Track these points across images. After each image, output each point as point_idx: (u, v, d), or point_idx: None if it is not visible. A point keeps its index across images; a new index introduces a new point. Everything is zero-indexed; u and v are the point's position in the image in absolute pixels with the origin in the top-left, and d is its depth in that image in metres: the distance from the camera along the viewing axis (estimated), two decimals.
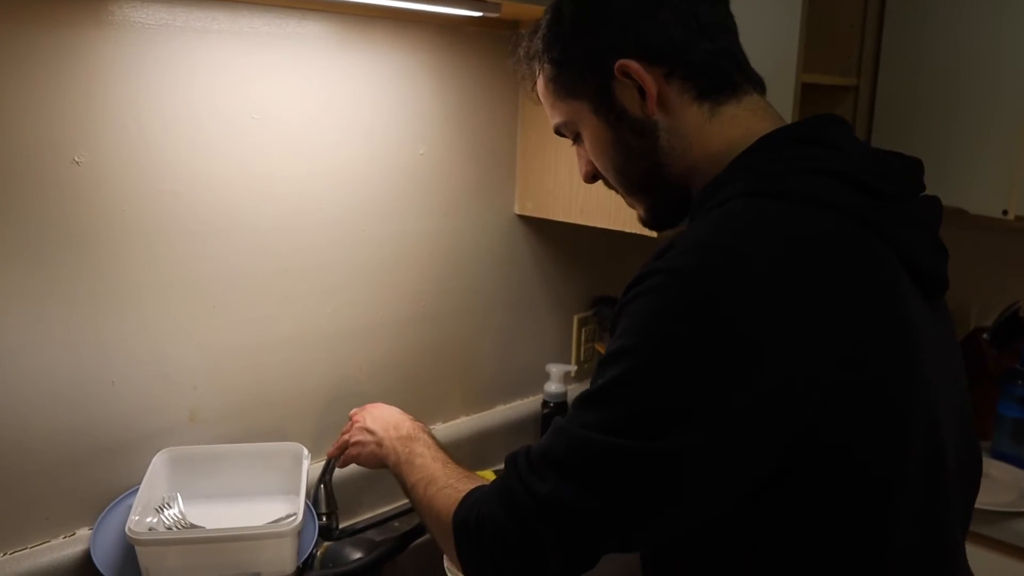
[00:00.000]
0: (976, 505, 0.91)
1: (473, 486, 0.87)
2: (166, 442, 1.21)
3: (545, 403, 1.65)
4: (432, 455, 1.01)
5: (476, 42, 1.47)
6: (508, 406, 1.69)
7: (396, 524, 1.32)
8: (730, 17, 0.90)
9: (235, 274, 1.24)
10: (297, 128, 1.27)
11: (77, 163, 1.07)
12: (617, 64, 0.85)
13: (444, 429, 1.56)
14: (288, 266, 1.29)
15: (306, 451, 1.21)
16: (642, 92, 0.85)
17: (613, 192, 1.41)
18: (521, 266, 1.65)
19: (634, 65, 0.84)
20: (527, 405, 1.71)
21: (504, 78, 1.53)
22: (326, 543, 1.19)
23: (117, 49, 1.08)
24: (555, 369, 1.64)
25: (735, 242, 0.72)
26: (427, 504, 0.92)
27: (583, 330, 1.79)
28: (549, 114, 0.96)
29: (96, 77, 1.06)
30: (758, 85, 0.89)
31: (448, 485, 0.91)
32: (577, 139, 0.95)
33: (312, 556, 1.14)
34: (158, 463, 1.16)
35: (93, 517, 1.15)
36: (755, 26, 1.44)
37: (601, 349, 1.77)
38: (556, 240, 1.69)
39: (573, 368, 1.72)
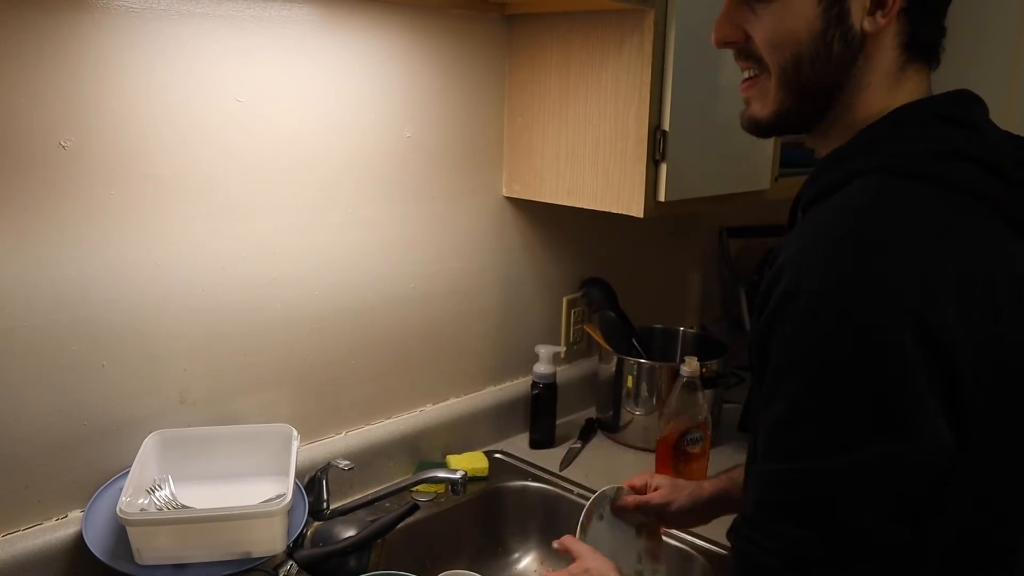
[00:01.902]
0: None
1: None
2: (157, 424, 1.22)
3: (534, 384, 1.66)
4: None
5: (462, 24, 1.47)
6: (498, 387, 1.70)
7: (387, 504, 1.33)
8: None
9: (223, 256, 1.24)
10: (283, 111, 1.27)
11: (63, 147, 1.07)
12: None
13: (434, 411, 1.57)
14: (275, 248, 1.30)
15: (295, 432, 1.22)
16: (875, 6, 0.81)
17: (599, 173, 1.43)
18: (509, 248, 1.66)
19: None
20: (517, 386, 1.72)
21: (490, 60, 1.53)
22: (316, 522, 1.20)
23: (103, 33, 1.07)
24: (544, 350, 1.65)
25: (879, 229, 0.72)
26: None
27: (572, 311, 1.80)
28: None
29: (82, 61, 1.06)
30: (937, 64, 0.86)
31: None
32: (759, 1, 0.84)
33: (302, 535, 1.15)
34: (149, 445, 1.17)
35: (85, 499, 1.16)
36: None
37: (590, 330, 1.78)
38: (544, 222, 1.70)
39: (562, 349, 1.73)
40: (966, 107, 0.83)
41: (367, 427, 1.48)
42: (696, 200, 1.45)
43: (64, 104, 1.06)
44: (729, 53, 0.90)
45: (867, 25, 0.81)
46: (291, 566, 1.06)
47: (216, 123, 1.20)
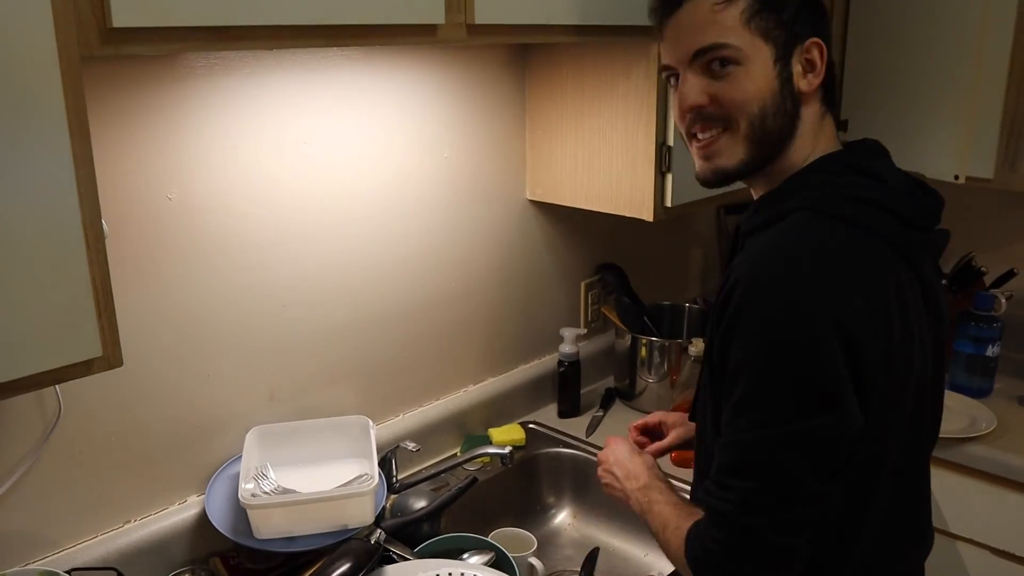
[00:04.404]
0: None
1: (693, 521, 1.02)
2: (251, 419, 1.44)
3: (560, 362, 1.88)
4: (665, 499, 1.13)
5: (483, 55, 1.66)
6: (528, 366, 1.93)
7: (443, 475, 1.57)
8: None
9: (298, 275, 1.45)
10: (342, 147, 1.47)
11: (169, 199, 1.28)
12: (812, 40, 1.01)
13: (476, 390, 1.81)
14: (340, 262, 1.51)
15: (372, 423, 1.45)
16: (807, 69, 1.01)
17: (612, 181, 1.64)
18: (534, 243, 1.87)
19: (824, 49, 1.01)
20: (544, 364, 1.95)
21: (511, 83, 1.73)
22: (392, 496, 1.44)
23: (196, 96, 1.27)
24: (568, 332, 1.87)
25: (810, 255, 0.93)
26: (666, 545, 1.07)
27: (589, 294, 2.02)
28: (708, 32, 0.99)
29: (180, 123, 1.26)
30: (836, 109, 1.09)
31: (678, 526, 1.05)
32: (724, 64, 0.99)
33: (383, 507, 1.39)
34: (251, 438, 1.40)
35: (198, 486, 1.39)
36: None
37: (607, 312, 2.00)
38: (563, 219, 1.91)
39: (583, 331, 1.95)
40: (873, 159, 1.04)
41: (420, 408, 1.71)
42: (698, 202, 1.66)
43: (168, 162, 1.26)
44: None
45: (803, 85, 1.02)
46: (380, 534, 1.29)
47: (288, 164, 1.40)
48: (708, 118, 1.02)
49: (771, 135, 1.01)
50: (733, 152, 1.03)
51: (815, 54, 1.01)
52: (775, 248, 0.96)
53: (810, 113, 1.03)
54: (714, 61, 0.99)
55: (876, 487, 1.01)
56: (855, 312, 0.91)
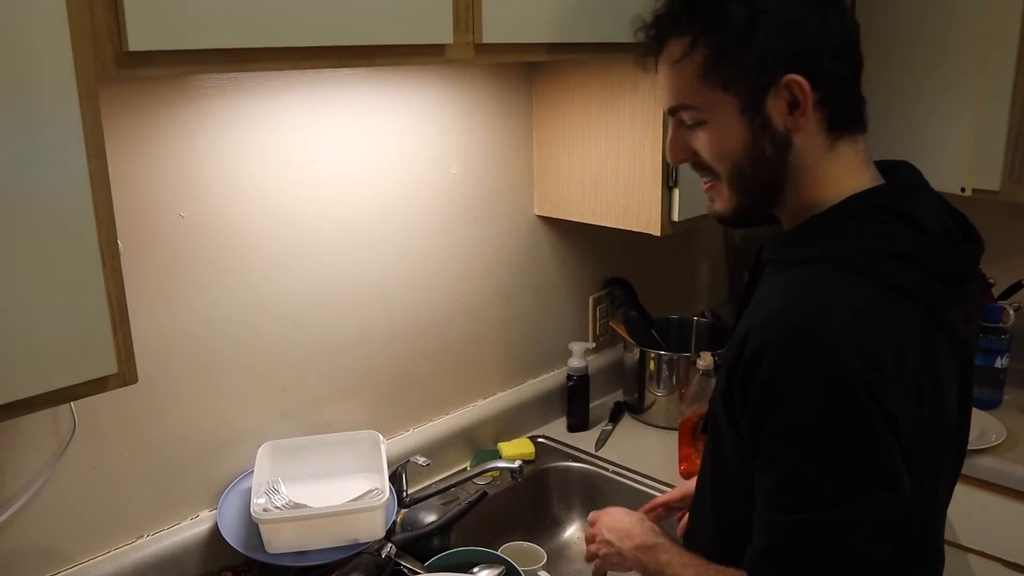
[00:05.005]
0: None
1: None
2: (263, 435, 1.46)
3: (569, 376, 1.89)
4: (678, 560, 1.06)
5: (492, 71, 1.68)
6: (537, 380, 1.94)
7: (453, 490, 1.57)
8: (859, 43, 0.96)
9: (309, 291, 1.47)
10: (350, 164, 1.48)
11: (182, 217, 1.29)
12: (787, 78, 0.90)
13: (485, 404, 1.82)
14: (351, 278, 1.52)
15: (382, 437, 1.46)
16: (791, 107, 0.91)
17: (620, 196, 1.65)
18: (542, 258, 1.88)
19: (805, 84, 0.89)
20: (553, 378, 1.96)
21: (518, 99, 1.74)
22: (403, 510, 1.45)
23: (209, 116, 1.29)
24: (576, 347, 1.88)
25: (836, 319, 0.85)
26: None
27: (597, 308, 2.03)
28: (671, 92, 0.97)
29: (194, 143, 1.28)
30: (865, 128, 0.97)
31: None
32: (695, 125, 0.96)
33: (394, 522, 1.39)
34: (262, 454, 1.41)
35: (210, 501, 1.40)
36: None
37: (615, 326, 2.01)
38: (571, 233, 1.92)
39: (592, 345, 1.96)
40: (908, 197, 0.94)
41: (430, 423, 1.72)
42: (705, 216, 1.67)
43: (180, 180, 1.28)
44: None
45: (789, 125, 0.92)
46: (390, 548, 1.30)
47: (298, 181, 1.42)
48: (699, 167, 1.01)
49: (755, 184, 0.96)
50: (726, 199, 1.00)
51: (795, 91, 0.91)
52: (798, 309, 0.88)
53: (811, 147, 0.94)
54: (682, 120, 0.98)
55: (923, 538, 0.99)
56: (885, 378, 0.85)
